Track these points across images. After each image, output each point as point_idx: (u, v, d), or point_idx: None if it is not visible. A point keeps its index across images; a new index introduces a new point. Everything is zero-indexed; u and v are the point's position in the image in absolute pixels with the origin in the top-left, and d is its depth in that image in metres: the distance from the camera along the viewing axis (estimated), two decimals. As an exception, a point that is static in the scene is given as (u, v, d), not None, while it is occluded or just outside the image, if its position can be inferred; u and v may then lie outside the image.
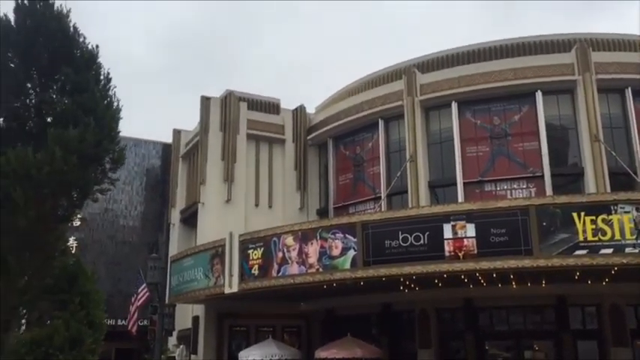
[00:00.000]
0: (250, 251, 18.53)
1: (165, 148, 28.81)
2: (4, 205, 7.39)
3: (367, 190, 22.97)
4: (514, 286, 16.86)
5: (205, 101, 24.89)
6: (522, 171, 19.71)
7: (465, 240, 14.58)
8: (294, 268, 17.50)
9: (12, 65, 8.27)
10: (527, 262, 14.02)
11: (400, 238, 15.42)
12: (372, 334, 20.66)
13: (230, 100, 24.54)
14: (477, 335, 18.85)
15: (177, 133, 28.13)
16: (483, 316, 19.27)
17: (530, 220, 14.06)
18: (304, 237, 17.49)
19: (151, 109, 63.29)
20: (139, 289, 22.59)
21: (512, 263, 14.15)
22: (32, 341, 7.19)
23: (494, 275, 15.37)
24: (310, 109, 26.73)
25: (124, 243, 27.06)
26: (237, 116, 24.52)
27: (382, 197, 21.43)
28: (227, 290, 18.74)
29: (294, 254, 17.63)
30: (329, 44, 76.20)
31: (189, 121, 52.36)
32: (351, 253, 16.10)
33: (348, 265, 16.09)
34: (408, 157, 20.77)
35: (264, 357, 19.41)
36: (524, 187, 19.48)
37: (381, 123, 22.41)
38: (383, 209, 20.50)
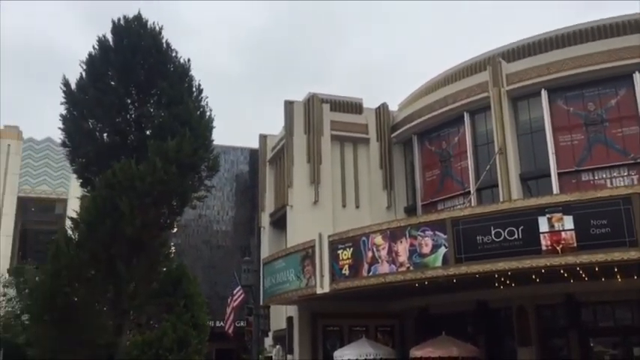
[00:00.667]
0: (340, 251, 18.64)
1: (253, 153, 29.56)
2: (112, 215, 7.86)
3: (455, 185, 22.51)
4: (619, 280, 15.96)
5: (289, 105, 25.30)
6: (622, 158, 18.62)
7: (562, 233, 13.96)
8: (384, 267, 17.44)
9: (112, 83, 8.79)
10: (633, 254, 13.24)
11: (492, 233, 15.01)
12: (467, 332, 20.20)
13: (313, 103, 24.82)
14: (581, 332, 17.99)
15: (263, 138, 28.77)
16: (586, 312, 18.36)
17: (633, 209, 13.27)
18: (393, 236, 17.39)
19: (236, 115, 65.10)
20: (234, 291, 23.28)
21: (616, 256, 13.41)
22: (144, 343, 7.61)
23: (597, 269, 14.63)
24: (393, 107, 26.55)
25: (218, 247, 28.01)
26: (320, 118, 24.76)
27: (471, 192, 20.93)
28: (319, 291, 18.94)
29: (383, 253, 17.58)
30: (407, 40, 75.45)
31: (275, 125, 53.47)
32: (442, 250, 15.84)
33: (439, 263, 15.84)
34: (496, 149, 20.18)
35: (358, 356, 19.46)
36: (625, 174, 18.40)
37: (466, 116, 21.89)
38: (473, 204, 20.01)
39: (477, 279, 15.94)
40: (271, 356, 23.47)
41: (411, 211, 24.00)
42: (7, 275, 23.55)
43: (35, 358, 8.00)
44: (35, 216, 27.03)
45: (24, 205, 26.14)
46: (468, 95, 21.76)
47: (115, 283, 8.03)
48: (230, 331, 23.81)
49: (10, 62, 61.15)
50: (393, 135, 25.35)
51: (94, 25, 60.12)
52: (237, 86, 67.47)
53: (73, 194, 26.30)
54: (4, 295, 23.04)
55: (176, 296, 8.30)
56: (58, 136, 25.84)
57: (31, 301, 7.86)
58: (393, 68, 74.13)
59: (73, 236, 7.80)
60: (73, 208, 25.82)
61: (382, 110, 25.68)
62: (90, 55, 8.87)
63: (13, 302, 22.73)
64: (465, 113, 21.93)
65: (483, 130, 21.73)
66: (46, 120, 59.13)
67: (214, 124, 9.06)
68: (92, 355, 7.80)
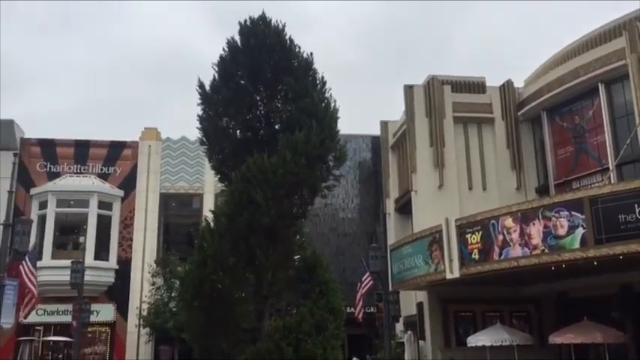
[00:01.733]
0: (468, 235, 18.31)
1: (374, 140, 29.67)
2: (248, 207, 8.32)
3: (591, 162, 21.19)
4: None
5: (409, 89, 25.08)
6: None
7: None
8: (516, 251, 16.92)
9: (242, 82, 9.28)
10: None
11: (637, 211, 14.04)
12: (611, 317, 19.02)
13: (433, 85, 24.42)
14: None
15: (384, 124, 28.77)
16: None
17: None
18: (524, 217, 16.81)
19: (356, 103, 65.61)
20: (363, 278, 23.56)
21: None
22: (284, 327, 7.99)
23: None
24: (518, 83, 25.44)
25: (345, 235, 28.46)
26: (441, 100, 24.32)
27: (610, 168, 19.60)
28: (448, 276, 18.72)
29: (515, 236, 17.06)
30: (531, 13, 71.56)
31: (395, 111, 53.31)
32: (580, 231, 15.09)
33: (577, 245, 15.10)
34: (637, 121, 18.70)
35: (493, 342, 19.03)
36: None
37: (601, 87, 20.50)
38: (613, 181, 18.75)
39: (620, 261, 14.98)
40: (403, 342, 23.55)
41: (542, 191, 22.96)
42: (154, 266, 25.56)
43: (188, 341, 8.66)
44: (175, 210, 29.03)
45: (165, 201, 28.15)
46: (602, 64, 20.35)
47: (254, 271, 8.50)
48: (359, 317, 24.20)
49: (145, 66, 65.95)
50: (519, 113, 24.35)
51: (222, 28, 63.14)
52: (356, 73, 67.83)
53: (207, 189, 27.97)
54: (153, 284, 25.04)
55: (311, 283, 8.64)
56: (193, 134, 27.42)
57: (181, 288, 8.52)
58: (517, 44, 70.76)
59: (215, 228, 8.34)
60: (208, 202, 27.61)
61: (507, 87, 24.72)
62: (221, 57, 9.42)
63: (162, 291, 24.65)
64: (600, 84, 20.55)
65: (621, 100, 20.26)
66: (178, 119, 63.18)
67: (338, 114, 9.28)
68: (237, 339, 8.32)
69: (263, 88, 9.37)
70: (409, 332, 23.18)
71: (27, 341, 20.89)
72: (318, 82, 9.35)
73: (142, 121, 59.19)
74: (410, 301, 24.26)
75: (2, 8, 62.21)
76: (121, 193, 27.37)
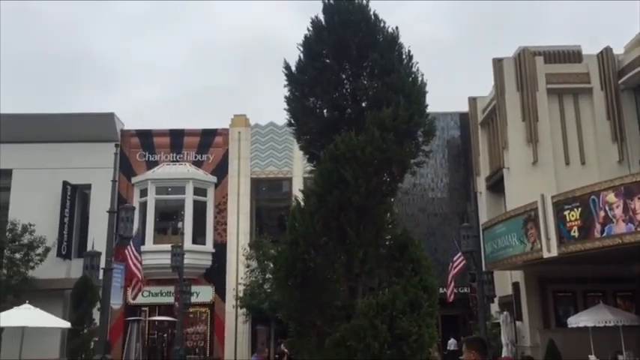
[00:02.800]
0: (566, 212, 17.54)
1: (463, 117, 28.91)
2: (338, 186, 8.32)
3: (703, 129, 19.64)
4: None
5: (497, 63, 24.22)
6: None
7: None
8: (620, 227, 16.08)
9: (327, 61, 9.28)
10: None
11: None
12: None
13: (524, 57, 23.42)
14: None
15: (472, 100, 27.98)
16: None
17: None
18: (628, 192, 15.90)
19: (443, 80, 64.12)
20: (455, 258, 23.14)
21: None
22: (378, 305, 7.95)
23: None
24: (617, 50, 23.89)
25: (434, 215, 28.02)
26: (533, 73, 23.30)
27: None
28: (545, 255, 18.05)
29: (618, 212, 16.19)
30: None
31: (483, 86, 51.59)
32: (693, 205, 14.05)
33: (689, 218, 14.08)
34: None
35: (596, 323, 18.17)
36: None
37: None
38: None
39: None
40: (499, 322, 22.99)
41: (648, 163, 21.58)
42: (248, 249, 26.35)
43: (283, 319, 8.83)
44: (266, 194, 29.72)
45: (256, 185, 28.87)
46: None
47: (346, 250, 8.50)
48: (451, 298, 23.84)
49: (232, 56, 67.61)
50: (620, 81, 22.91)
51: (305, 13, 63.53)
52: (442, 50, 66.21)
53: (296, 173, 28.39)
54: (248, 266, 25.84)
55: (403, 260, 8.52)
56: (280, 119, 27.92)
57: (274, 268, 8.68)
58: (613, 9, 66.32)
59: (305, 208, 8.41)
60: (297, 185, 28.02)
61: (605, 55, 23.31)
62: (305, 37, 9.42)
63: (256, 273, 25.40)
64: None
65: None
66: (265, 105, 64.40)
67: (426, 88, 9.07)
68: (331, 316, 8.38)
69: (348, 66, 9.30)
70: (505, 313, 22.58)
71: (135, 321, 22.23)
72: (404, 57, 9.16)
73: (232, 109, 60.76)
74: (505, 280, 23.62)
75: (95, 10, 65.71)
76: (214, 179, 28.36)
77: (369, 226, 8.49)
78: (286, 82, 9.45)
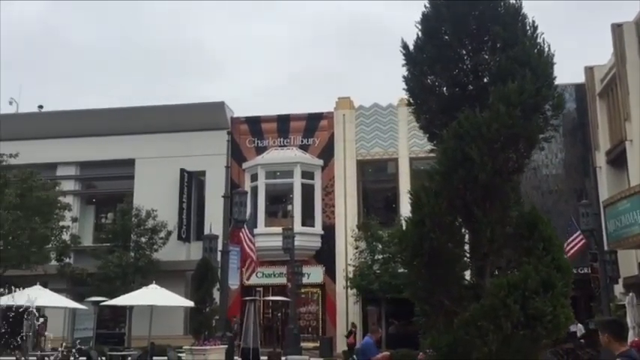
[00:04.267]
0: None
1: (578, 88, 27.33)
2: (463, 164, 8.18)
3: None
4: None
5: (617, 28, 22.67)
6: None
7: None
8: None
9: (446, 37, 9.09)
10: None
11: None
12: None
13: (648, 21, 21.74)
14: None
15: (589, 70, 26.40)
16: None
17: None
18: None
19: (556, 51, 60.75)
20: (572, 237, 22.12)
21: None
22: (508, 284, 7.77)
23: None
24: None
25: (549, 192, 26.85)
26: (660, 36, 21.59)
27: None
28: (678, 232, 16.80)
29: None
30: None
31: (601, 55, 48.39)
32: None
33: None
34: None
35: None
36: None
37: None
38: None
39: None
40: (624, 304, 21.72)
41: None
42: (356, 230, 26.58)
43: (410, 298, 8.85)
44: (372, 176, 29.77)
45: (362, 167, 28.99)
46: None
47: (472, 228, 8.36)
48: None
49: (334, 39, 67.88)
50: None
51: (396, -10, 62.46)
52: (553, 17, 62.67)
53: (402, 154, 28.20)
54: (357, 247, 26.09)
55: (533, 239, 8.24)
56: (384, 100, 27.73)
57: (400, 247, 8.70)
58: None
59: (430, 187, 8.34)
60: (403, 166, 27.86)
61: None
62: (423, 14, 9.27)
63: (365, 254, 25.60)
64: None
65: None
66: (368, 86, 64.21)
67: (554, 59, 8.65)
68: (459, 296, 8.31)
69: (468, 41, 9.05)
70: (631, 294, 21.26)
71: (251, 301, 23.16)
72: (528, 27, 8.79)
73: (336, 92, 61.17)
74: (630, 260, 22.29)
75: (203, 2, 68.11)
76: (320, 162, 28.78)
77: (496, 204, 8.29)
78: (404, 62, 9.36)
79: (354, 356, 17.32)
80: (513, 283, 7.79)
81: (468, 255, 8.63)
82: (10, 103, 32.05)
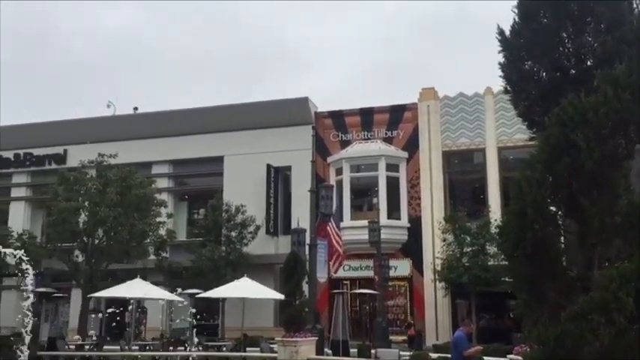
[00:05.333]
0: None
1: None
2: (568, 151, 7.84)
3: None
4: None
5: None
6: None
7: None
8: None
9: (545, 21, 8.76)
10: None
11: None
12: None
13: None
14: None
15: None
16: None
17: None
18: None
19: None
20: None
21: None
22: (620, 276, 7.38)
23: None
24: None
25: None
26: None
27: None
28: None
29: None
30: None
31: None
32: None
33: None
34: None
35: None
36: None
37: None
38: None
39: None
40: None
41: None
42: (443, 223, 26.16)
43: (512, 291, 8.59)
44: (458, 167, 29.18)
45: (448, 158, 28.48)
46: None
47: (578, 218, 8.00)
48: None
49: (415, 29, 67.03)
50: None
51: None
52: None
53: (489, 143, 27.45)
54: (444, 240, 25.68)
55: (645, 229, 7.77)
56: (470, 90, 27.05)
57: (501, 239, 8.48)
58: None
59: (531, 176, 8.05)
60: (491, 156, 27.10)
61: None
62: (520, -3, 9.02)
63: (453, 246, 25.15)
64: None
65: None
66: (450, 76, 62.97)
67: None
68: (567, 288, 7.97)
69: (569, 23, 8.69)
70: None
71: (339, 293, 23.32)
72: (635, 5, 8.31)
73: (419, 83, 60.47)
74: None
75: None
76: (405, 154, 28.53)
77: (604, 192, 7.92)
78: (500, 48, 9.12)
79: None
80: (625, 275, 7.39)
81: (574, 246, 8.29)
82: (108, 106, 33.87)
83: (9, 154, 33.69)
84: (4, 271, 21.78)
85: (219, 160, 30.54)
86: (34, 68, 71.11)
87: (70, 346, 21.98)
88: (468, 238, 24.60)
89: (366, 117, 29.40)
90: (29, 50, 70.51)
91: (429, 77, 70.93)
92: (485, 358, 15.71)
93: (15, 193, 33.99)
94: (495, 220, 22.11)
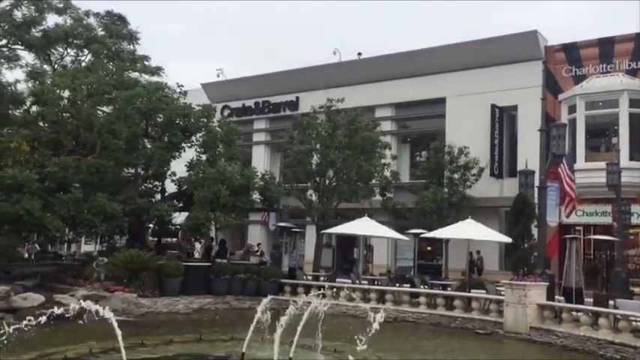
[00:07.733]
0: None
1: None
2: None
3: None
4: None
5: None
6: None
7: None
8: None
9: None
10: None
11: None
12: None
13: None
14: None
15: None
16: None
17: None
18: None
19: None
20: None
21: None
22: None
23: None
24: None
25: None
26: None
27: None
28: None
29: None
30: None
31: None
32: None
33: None
34: None
35: None
36: None
37: None
38: None
39: None
40: None
41: None
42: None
43: None
44: None
45: None
46: None
47: None
48: None
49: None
50: None
51: None
52: None
53: None
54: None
55: None
56: None
57: None
58: None
59: None
60: None
61: None
62: None
63: None
64: None
65: None
66: None
67: None
68: None
69: None
70: None
71: (572, 239, 21.97)
72: None
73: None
74: None
75: None
76: (653, 88, 25.27)
77: None
78: None
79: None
80: None
81: None
82: (334, 53, 35.28)
83: (250, 103, 37.34)
84: (251, 206, 24.47)
85: (441, 101, 30.23)
86: (269, 22, 76.89)
87: (308, 277, 24.23)
88: None
89: (606, 47, 26.46)
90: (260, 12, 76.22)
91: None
92: None
93: (256, 137, 37.75)
94: None
